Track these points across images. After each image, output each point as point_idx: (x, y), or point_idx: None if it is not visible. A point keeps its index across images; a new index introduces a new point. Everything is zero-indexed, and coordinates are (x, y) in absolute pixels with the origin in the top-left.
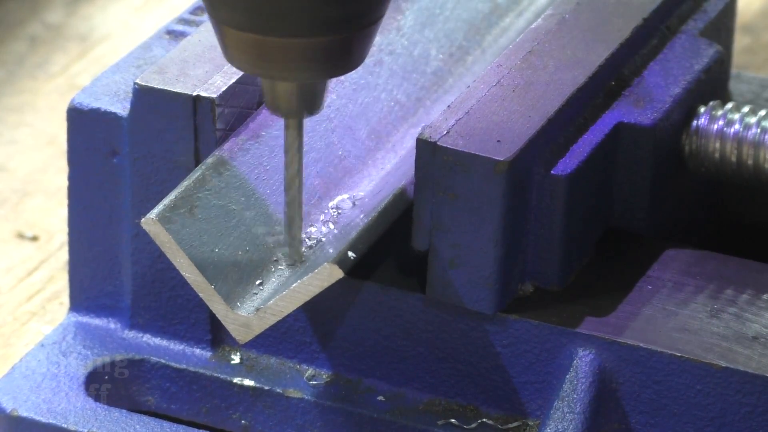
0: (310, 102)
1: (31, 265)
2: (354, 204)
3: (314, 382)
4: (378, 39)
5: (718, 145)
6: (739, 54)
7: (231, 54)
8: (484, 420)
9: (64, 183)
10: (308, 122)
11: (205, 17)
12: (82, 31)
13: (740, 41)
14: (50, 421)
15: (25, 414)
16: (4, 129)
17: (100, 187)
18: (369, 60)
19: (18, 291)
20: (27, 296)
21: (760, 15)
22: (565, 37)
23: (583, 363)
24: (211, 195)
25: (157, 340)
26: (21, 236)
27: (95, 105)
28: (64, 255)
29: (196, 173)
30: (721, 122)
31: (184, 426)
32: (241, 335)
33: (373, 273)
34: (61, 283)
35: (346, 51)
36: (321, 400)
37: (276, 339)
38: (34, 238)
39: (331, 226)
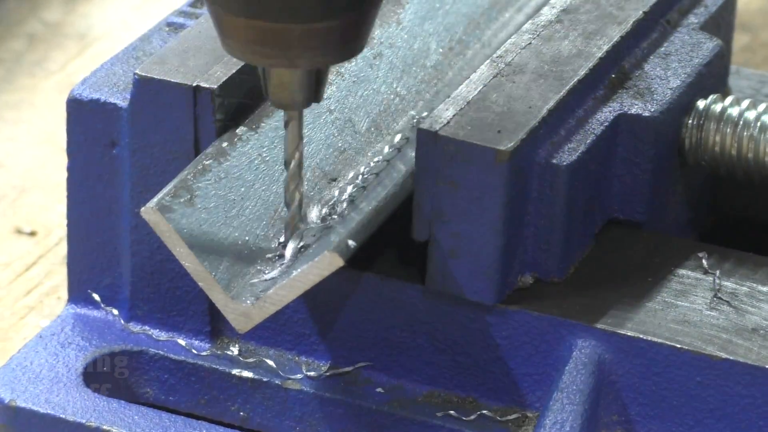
0: (313, 91)
1: (29, 260)
2: (354, 194)
3: (313, 374)
4: (378, 32)
5: (718, 138)
6: (737, 53)
7: (230, 43)
8: (484, 412)
9: (61, 179)
10: (308, 115)
11: (205, 9)
12: (80, 29)
13: (739, 40)
14: (48, 411)
15: (23, 404)
16: (2, 126)
17: (99, 178)
18: (369, 53)
19: (16, 286)
20: (25, 291)
21: (758, 14)
22: (566, 29)
23: (582, 354)
24: (211, 185)
25: (155, 332)
26: (19, 232)
27: (95, 96)
28: (61, 250)
29: (196, 163)
30: (721, 116)
31: (182, 417)
32: (241, 325)
33: (372, 264)
34: (59, 277)
35: (350, 35)
36: (320, 392)
37: (275, 331)
38: (32, 234)
39: (332, 215)
